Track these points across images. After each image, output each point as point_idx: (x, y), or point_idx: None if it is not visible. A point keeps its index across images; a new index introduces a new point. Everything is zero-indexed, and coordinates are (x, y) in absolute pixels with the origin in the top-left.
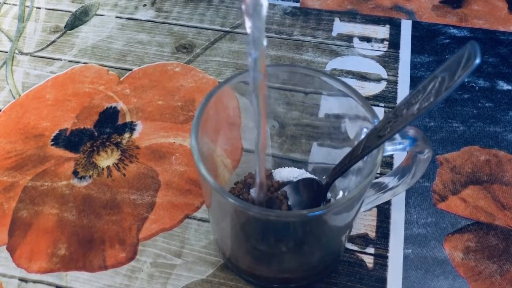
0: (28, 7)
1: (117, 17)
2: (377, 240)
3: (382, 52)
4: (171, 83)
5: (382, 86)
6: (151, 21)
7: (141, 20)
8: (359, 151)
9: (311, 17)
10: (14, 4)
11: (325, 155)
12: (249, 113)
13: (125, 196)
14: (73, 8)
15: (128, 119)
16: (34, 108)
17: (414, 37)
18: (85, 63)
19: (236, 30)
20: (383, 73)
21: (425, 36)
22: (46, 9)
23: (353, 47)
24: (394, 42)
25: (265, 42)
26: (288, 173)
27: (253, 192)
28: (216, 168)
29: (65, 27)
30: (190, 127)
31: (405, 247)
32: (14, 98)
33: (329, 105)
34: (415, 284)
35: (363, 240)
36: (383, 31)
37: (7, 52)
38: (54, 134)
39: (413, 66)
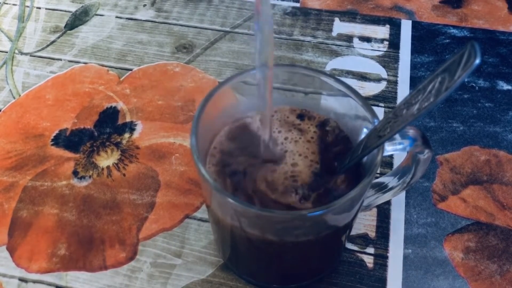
0: (28, 7)
1: (117, 17)
2: (377, 240)
3: (382, 52)
4: (171, 83)
5: (382, 86)
6: (151, 21)
7: (141, 20)
8: (359, 151)
9: (311, 17)
10: (14, 4)
11: None
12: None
13: (125, 196)
14: (73, 8)
15: (128, 119)
16: (34, 108)
17: (414, 37)
18: (85, 63)
19: (236, 30)
20: (383, 73)
21: (425, 36)
22: (46, 9)
23: (353, 47)
24: (394, 42)
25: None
26: None
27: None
28: None
29: (65, 27)
30: (190, 127)
31: (405, 247)
32: (14, 98)
33: (329, 105)
34: (415, 284)
35: (363, 240)
36: (383, 31)
37: (7, 52)
38: (54, 134)
39: (413, 66)
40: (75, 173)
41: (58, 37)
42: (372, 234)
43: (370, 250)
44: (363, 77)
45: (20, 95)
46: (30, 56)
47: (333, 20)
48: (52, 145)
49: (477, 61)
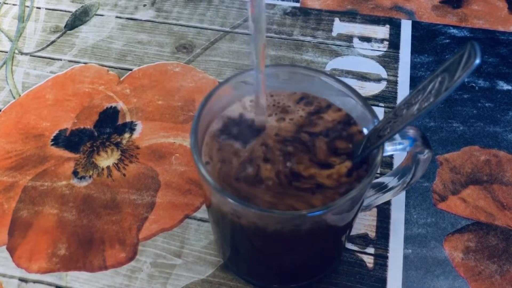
0: (28, 7)
1: (117, 17)
2: (377, 240)
3: (382, 52)
4: (171, 83)
5: (382, 86)
6: (151, 21)
7: (141, 20)
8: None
9: (311, 17)
10: (14, 4)
11: None
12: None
13: (125, 196)
14: (73, 8)
15: (128, 119)
16: (34, 108)
17: (414, 37)
18: (85, 63)
19: (236, 30)
20: (383, 73)
21: (425, 36)
22: (46, 9)
23: (353, 47)
24: (394, 42)
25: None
26: None
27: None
28: None
29: (65, 27)
30: (190, 127)
31: (405, 247)
32: (14, 98)
33: None
34: (415, 284)
35: (363, 240)
36: (383, 31)
37: (7, 52)
38: (54, 134)
39: (413, 66)
40: (75, 173)
41: (58, 37)
42: (372, 234)
43: (370, 250)
44: (363, 77)
45: (20, 95)
46: (30, 56)
47: (333, 20)
48: (52, 145)
49: (477, 61)
